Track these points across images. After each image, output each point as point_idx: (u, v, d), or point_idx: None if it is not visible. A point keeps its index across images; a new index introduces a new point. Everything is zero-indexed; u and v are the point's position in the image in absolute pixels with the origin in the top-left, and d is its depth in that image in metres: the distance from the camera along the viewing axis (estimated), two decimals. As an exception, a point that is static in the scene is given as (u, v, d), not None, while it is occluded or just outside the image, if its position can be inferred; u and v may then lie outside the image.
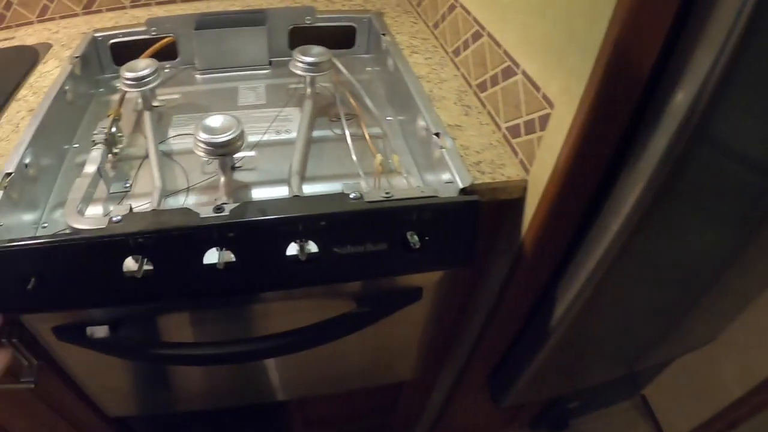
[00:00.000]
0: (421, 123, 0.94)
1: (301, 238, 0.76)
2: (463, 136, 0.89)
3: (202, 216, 0.75)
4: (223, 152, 0.86)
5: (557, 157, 0.74)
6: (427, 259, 0.80)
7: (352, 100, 1.07)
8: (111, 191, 0.93)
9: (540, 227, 0.81)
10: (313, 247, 0.77)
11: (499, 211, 0.89)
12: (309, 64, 1.04)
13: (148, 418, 1.29)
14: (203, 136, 0.84)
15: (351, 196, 0.78)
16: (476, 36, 0.96)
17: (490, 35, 0.92)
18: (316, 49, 1.05)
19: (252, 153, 0.99)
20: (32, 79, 1.07)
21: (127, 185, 0.94)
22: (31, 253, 0.72)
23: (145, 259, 0.74)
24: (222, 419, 1.35)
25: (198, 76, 1.21)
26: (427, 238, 0.78)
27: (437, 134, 0.88)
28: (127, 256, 0.73)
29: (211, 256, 0.76)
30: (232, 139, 0.85)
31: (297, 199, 0.81)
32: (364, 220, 0.76)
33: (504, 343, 1.11)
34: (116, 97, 1.12)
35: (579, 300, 0.90)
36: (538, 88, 0.79)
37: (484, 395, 1.27)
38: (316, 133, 1.04)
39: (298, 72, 1.04)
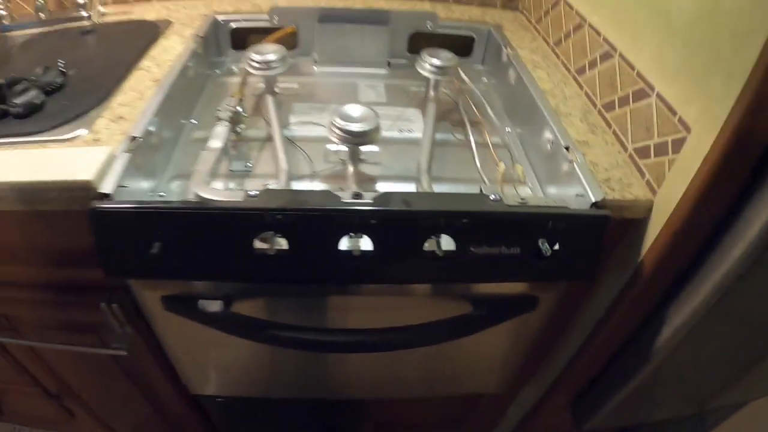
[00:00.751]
0: (548, 136, 1.02)
1: (442, 233, 0.84)
2: (591, 152, 0.97)
3: (343, 200, 0.82)
4: (358, 142, 0.94)
5: (690, 181, 0.82)
6: (554, 268, 0.88)
7: (474, 108, 1.16)
8: (232, 169, 1.02)
9: (663, 249, 0.89)
10: (448, 244, 0.85)
11: (619, 229, 0.96)
12: (436, 66, 1.13)
13: (224, 402, 1.38)
14: (340, 122, 0.93)
15: (491, 197, 0.86)
16: (606, 56, 1.04)
17: (621, 56, 1.00)
18: (445, 53, 1.15)
19: (376, 148, 1.08)
20: (154, 51, 1.16)
21: (249, 165, 1.03)
22: (162, 217, 0.78)
23: (277, 237, 0.81)
24: (292, 411, 1.43)
25: (316, 68, 1.31)
26: (556, 248, 0.86)
27: (567, 148, 0.96)
28: (262, 232, 0.80)
29: (344, 243, 0.83)
30: (368, 130, 0.94)
31: (437, 195, 0.90)
32: (503, 223, 0.84)
33: (599, 365, 1.18)
34: (233, 79, 1.23)
35: (685, 327, 0.97)
36: (674, 112, 0.86)
37: (566, 417, 1.34)
38: (438, 136, 1.12)
39: (425, 73, 1.14)
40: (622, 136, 0.99)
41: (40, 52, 1.17)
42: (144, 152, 0.90)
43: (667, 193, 0.87)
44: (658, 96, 0.90)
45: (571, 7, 1.17)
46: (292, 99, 1.21)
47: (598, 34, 1.07)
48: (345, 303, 1.00)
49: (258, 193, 0.80)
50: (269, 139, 1.08)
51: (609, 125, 1.03)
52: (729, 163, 0.77)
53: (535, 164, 1.06)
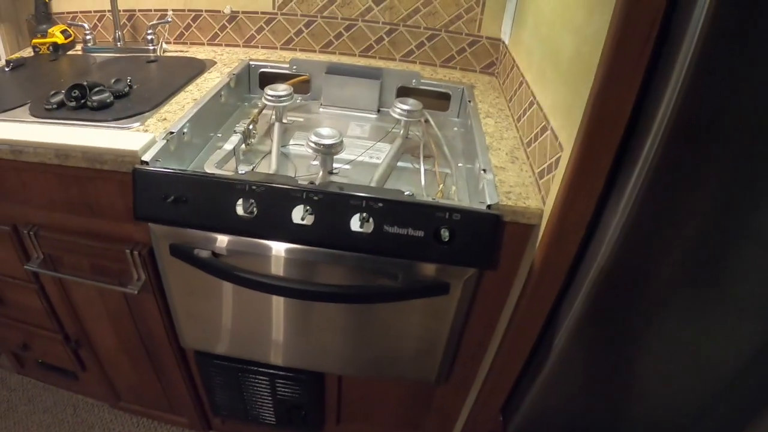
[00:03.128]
0: (477, 165, 1.22)
1: (363, 212, 1.05)
2: (503, 174, 1.16)
3: (299, 182, 1.07)
4: (325, 152, 1.18)
5: (557, 189, 1.00)
6: (454, 253, 1.06)
7: (433, 146, 1.37)
8: (238, 169, 1.27)
9: (544, 249, 1.06)
10: (370, 225, 1.06)
11: (524, 234, 1.13)
12: (404, 110, 1.36)
13: (206, 360, 1.57)
14: (314, 138, 1.17)
15: (405, 192, 1.07)
16: (531, 104, 1.24)
17: (538, 103, 1.20)
18: (412, 101, 1.38)
19: (348, 166, 1.31)
20: (198, 80, 1.47)
21: (251, 168, 1.29)
22: (177, 179, 1.07)
23: (253, 203, 1.06)
24: (263, 384, 1.59)
25: (321, 109, 1.57)
26: (456, 236, 1.05)
27: (484, 170, 1.16)
28: (241, 197, 1.06)
29: (297, 214, 1.07)
30: (333, 144, 1.17)
31: (367, 187, 1.11)
32: (409, 210, 1.04)
33: (516, 363, 1.31)
34: (257, 109, 1.50)
35: (571, 323, 1.11)
36: (556, 138, 1.05)
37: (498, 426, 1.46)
38: (399, 164, 1.35)
39: (395, 115, 1.37)
40: (533, 164, 1.18)
41: (114, 70, 1.51)
42: (176, 143, 1.20)
43: (550, 202, 1.04)
44: (551, 129, 1.09)
45: (519, 70, 1.38)
46: (297, 128, 1.47)
47: (529, 87, 1.28)
48: (300, 264, 1.20)
49: (245, 172, 1.10)
50: (270, 152, 1.33)
51: (527, 158, 1.22)
52: (580, 172, 0.95)
53: (470, 190, 1.25)
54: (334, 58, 1.63)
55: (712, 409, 1.22)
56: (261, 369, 1.50)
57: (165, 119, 1.25)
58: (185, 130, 1.24)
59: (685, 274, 0.99)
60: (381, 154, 1.37)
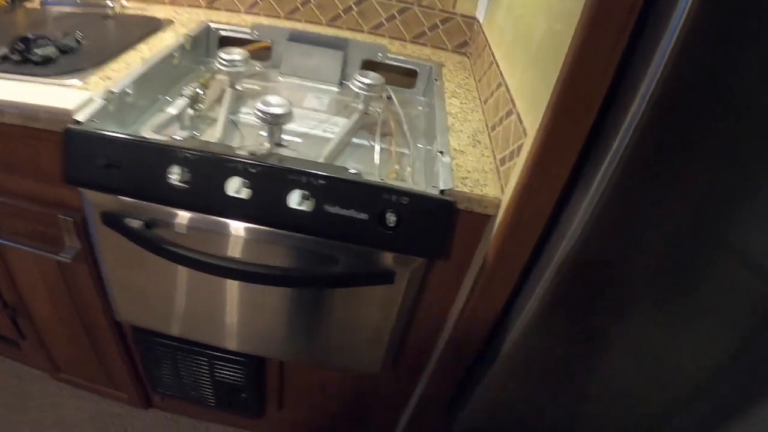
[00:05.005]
0: (435, 146, 1.09)
1: (304, 189, 0.91)
2: (462, 158, 1.02)
3: (237, 152, 0.93)
4: (272, 121, 1.04)
5: (518, 177, 0.87)
6: (400, 240, 0.93)
7: (392, 124, 1.23)
8: (182, 135, 1.12)
9: (498, 242, 0.93)
10: (311, 203, 0.92)
11: (479, 224, 1.00)
12: (364, 84, 1.22)
13: (148, 344, 1.44)
14: (261, 106, 1.03)
15: (350, 170, 0.93)
16: (498, 86, 1.11)
17: (506, 84, 1.06)
18: (373, 74, 1.24)
19: (299, 140, 1.17)
20: (152, 40, 1.31)
21: (195, 134, 1.15)
22: (110, 142, 0.93)
23: (187, 172, 0.92)
24: (202, 363, 1.46)
25: (280, 78, 1.42)
26: (403, 221, 0.91)
27: (441, 152, 1.02)
28: (173, 165, 0.93)
29: (233, 187, 0.93)
30: (281, 114, 1.03)
31: (310, 162, 0.97)
32: (353, 189, 0.91)
33: (463, 359, 1.19)
34: (210, 74, 1.34)
35: (524, 322, 0.99)
36: (521, 121, 0.92)
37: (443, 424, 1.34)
38: (355, 140, 1.21)
39: (355, 88, 1.23)
40: (495, 150, 1.04)
41: (67, 24, 1.35)
42: (117, 104, 1.05)
43: (509, 191, 0.91)
44: (516, 112, 0.96)
45: (490, 50, 1.24)
46: (252, 96, 1.32)
47: (498, 68, 1.14)
48: (235, 244, 1.06)
49: (181, 138, 0.95)
50: (218, 120, 1.18)
51: (490, 142, 1.08)
52: (542, 162, 0.82)
53: (428, 172, 1.12)
54: (299, 26, 1.48)
55: (674, 415, 1.14)
56: (199, 349, 1.37)
57: (109, 78, 1.10)
58: (129, 91, 1.09)
59: (654, 275, 0.89)
60: (336, 128, 1.23)
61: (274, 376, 1.44)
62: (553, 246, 0.90)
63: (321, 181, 0.90)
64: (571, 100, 0.76)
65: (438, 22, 1.47)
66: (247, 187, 0.93)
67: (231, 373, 1.43)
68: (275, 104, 1.04)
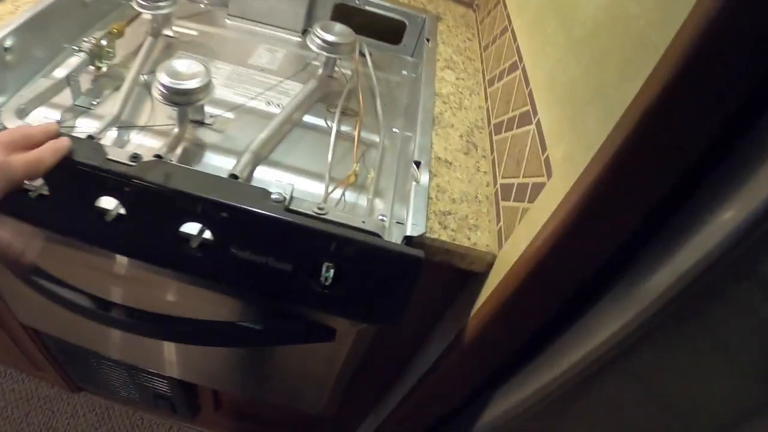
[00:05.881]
0: (411, 146, 0.75)
1: (198, 221, 0.59)
2: (447, 176, 0.69)
3: (109, 157, 0.60)
4: (181, 101, 0.71)
5: (531, 240, 0.54)
6: (338, 302, 0.61)
7: (361, 97, 0.88)
8: (75, 103, 0.80)
9: (488, 318, 0.61)
10: (211, 240, 0.60)
11: (460, 278, 0.68)
12: (326, 42, 0.86)
13: (60, 347, 1.16)
14: (164, 79, 0.69)
15: (273, 196, 0.60)
16: (513, 67, 0.76)
17: (523, 70, 0.72)
18: (340, 27, 0.88)
19: (230, 114, 0.83)
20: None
21: (94, 103, 0.81)
22: None
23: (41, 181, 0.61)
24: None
25: (227, 21, 1.05)
26: (344, 278, 0.59)
27: (417, 164, 0.69)
28: None
29: (109, 203, 0.62)
30: (193, 89, 0.71)
31: (219, 180, 0.63)
32: (273, 229, 0.58)
33: (420, 425, 0.90)
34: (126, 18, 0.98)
35: (517, 416, 0.69)
36: (544, 147, 0.58)
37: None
38: (307, 118, 0.86)
39: (313, 48, 0.87)
40: (497, 166, 0.71)
41: None
42: None
43: (511, 250, 0.59)
44: (537, 124, 0.62)
45: (505, 8, 0.88)
46: (182, 46, 0.96)
47: (514, 40, 0.79)
48: (128, 271, 0.76)
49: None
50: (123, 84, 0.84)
51: (492, 150, 0.74)
52: (579, 227, 0.49)
53: (399, 177, 0.78)
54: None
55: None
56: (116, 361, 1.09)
57: None
58: (7, 44, 0.75)
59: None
60: (285, 99, 0.88)
61: (206, 394, 1.16)
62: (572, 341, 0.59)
63: (223, 214, 0.57)
64: (657, 137, 0.42)
65: (439, -41, 1.09)
66: (124, 210, 0.61)
67: (156, 384, 1.15)
68: (185, 74, 0.70)
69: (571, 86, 0.56)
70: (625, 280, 0.52)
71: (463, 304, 0.70)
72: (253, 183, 0.72)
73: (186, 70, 0.71)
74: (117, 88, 0.83)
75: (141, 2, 0.88)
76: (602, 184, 0.45)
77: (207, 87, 0.72)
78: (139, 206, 0.60)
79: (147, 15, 0.92)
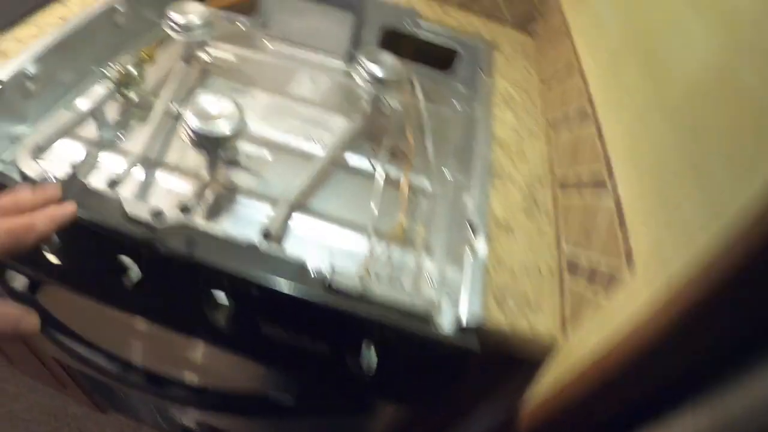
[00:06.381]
0: (467, 199, 0.67)
1: (225, 293, 0.52)
2: (506, 244, 0.61)
3: (128, 212, 0.55)
4: (211, 146, 0.64)
5: (608, 347, 0.45)
6: (378, 385, 0.54)
7: (410, 137, 0.80)
8: (102, 134, 0.74)
9: (549, 417, 0.53)
10: (238, 314, 0.53)
11: (511, 372, 0.60)
12: (374, 77, 0.78)
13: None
14: (192, 121, 0.62)
15: (311, 272, 0.52)
16: (582, 115, 0.67)
17: (596, 119, 0.63)
18: (389, 60, 0.80)
19: (267, 154, 0.76)
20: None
21: (120, 135, 0.75)
22: None
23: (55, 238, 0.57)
24: None
25: (267, 43, 0.98)
26: (385, 365, 0.52)
27: (472, 226, 0.61)
28: None
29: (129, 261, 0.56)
30: (224, 133, 0.62)
31: (249, 250, 0.56)
32: (311, 310, 0.51)
33: None
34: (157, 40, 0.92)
35: None
36: (623, 225, 0.50)
37: None
38: (351, 158, 0.78)
39: (359, 81, 0.80)
40: (561, 229, 0.62)
41: None
42: (8, 98, 0.67)
43: (579, 346, 0.50)
44: (614, 189, 0.53)
45: (572, 42, 0.79)
46: (217, 72, 0.90)
47: (585, 83, 0.70)
48: (149, 329, 0.70)
49: (57, 180, 0.59)
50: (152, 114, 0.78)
51: (555, 209, 0.66)
52: (668, 348, 0.41)
53: (451, 231, 0.70)
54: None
55: None
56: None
57: (3, 53, 0.70)
58: (29, 72, 0.69)
59: None
60: (328, 136, 0.81)
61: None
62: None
63: (253, 291, 0.50)
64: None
65: (497, -19, 1.00)
66: (142, 272, 0.54)
67: (184, 420, 1.10)
68: (216, 115, 0.63)
69: (659, 155, 0.48)
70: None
71: (512, 387, 0.62)
72: (289, 237, 0.65)
73: (216, 110, 0.64)
74: (146, 119, 0.77)
75: (174, 26, 0.82)
76: (707, 310, 0.36)
77: (239, 129, 0.65)
78: (160, 273, 0.54)
79: (179, 41, 0.85)
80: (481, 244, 0.59)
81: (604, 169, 0.56)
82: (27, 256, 0.51)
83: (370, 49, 0.80)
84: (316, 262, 0.53)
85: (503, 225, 0.63)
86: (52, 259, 0.59)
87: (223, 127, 0.63)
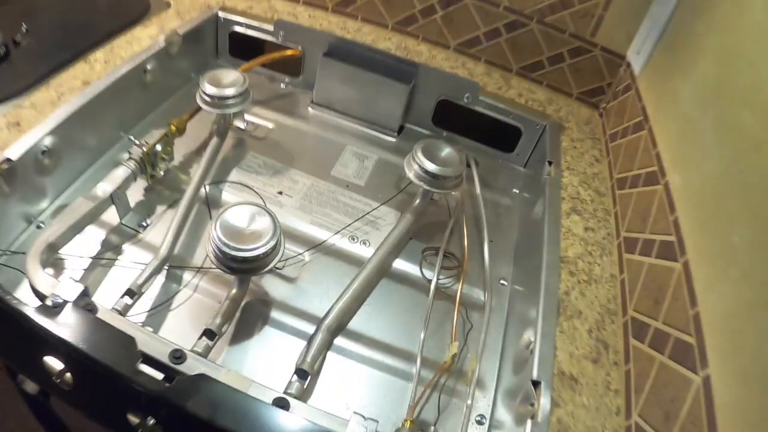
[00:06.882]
0: (527, 336, 0.59)
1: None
2: (570, 402, 0.53)
3: (137, 367, 0.48)
4: (243, 268, 0.57)
5: None
6: None
7: (466, 241, 0.72)
8: (123, 222, 0.68)
9: None
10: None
11: None
12: (428, 173, 0.70)
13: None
14: (220, 242, 0.55)
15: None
16: (666, 249, 0.58)
17: (681, 243, 0.54)
18: (449, 154, 0.72)
19: (306, 255, 0.70)
20: (119, 40, 0.84)
21: (145, 224, 0.69)
22: None
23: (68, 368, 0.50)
24: None
25: (310, 110, 0.92)
26: None
27: (535, 384, 0.53)
28: (49, 351, 0.49)
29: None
30: (257, 256, 0.56)
31: (278, 413, 0.49)
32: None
33: None
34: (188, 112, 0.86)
35: None
36: (710, 401, 0.41)
37: None
38: (398, 264, 0.71)
39: (410, 176, 0.72)
40: (632, 386, 0.54)
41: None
42: (22, 176, 0.62)
43: None
44: (702, 363, 0.45)
45: (654, 143, 0.70)
46: (255, 143, 0.83)
47: (667, 191, 0.61)
48: None
49: (63, 301, 0.50)
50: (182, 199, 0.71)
51: (627, 356, 0.57)
52: None
53: (505, 359, 0.62)
54: (351, 25, 0.95)
55: None
56: None
57: (18, 123, 0.66)
58: (45, 146, 0.64)
59: None
60: (375, 234, 0.74)
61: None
62: None
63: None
64: None
65: (565, 52, 0.91)
66: (157, 424, 0.48)
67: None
68: (250, 234, 0.57)
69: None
70: None
71: None
72: (324, 375, 0.58)
73: (250, 228, 0.58)
74: (174, 203, 0.71)
75: (206, 99, 0.75)
76: None
77: (276, 249, 0.58)
78: (173, 424, 0.48)
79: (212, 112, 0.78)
80: (543, 405, 0.51)
81: (692, 329, 0.48)
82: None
83: (426, 144, 0.72)
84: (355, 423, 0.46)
85: (568, 378, 0.55)
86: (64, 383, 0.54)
87: (258, 248, 0.56)
